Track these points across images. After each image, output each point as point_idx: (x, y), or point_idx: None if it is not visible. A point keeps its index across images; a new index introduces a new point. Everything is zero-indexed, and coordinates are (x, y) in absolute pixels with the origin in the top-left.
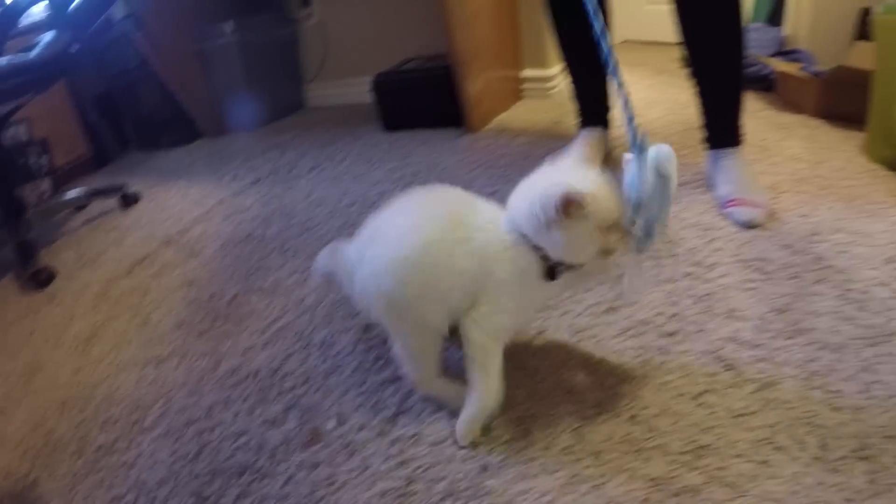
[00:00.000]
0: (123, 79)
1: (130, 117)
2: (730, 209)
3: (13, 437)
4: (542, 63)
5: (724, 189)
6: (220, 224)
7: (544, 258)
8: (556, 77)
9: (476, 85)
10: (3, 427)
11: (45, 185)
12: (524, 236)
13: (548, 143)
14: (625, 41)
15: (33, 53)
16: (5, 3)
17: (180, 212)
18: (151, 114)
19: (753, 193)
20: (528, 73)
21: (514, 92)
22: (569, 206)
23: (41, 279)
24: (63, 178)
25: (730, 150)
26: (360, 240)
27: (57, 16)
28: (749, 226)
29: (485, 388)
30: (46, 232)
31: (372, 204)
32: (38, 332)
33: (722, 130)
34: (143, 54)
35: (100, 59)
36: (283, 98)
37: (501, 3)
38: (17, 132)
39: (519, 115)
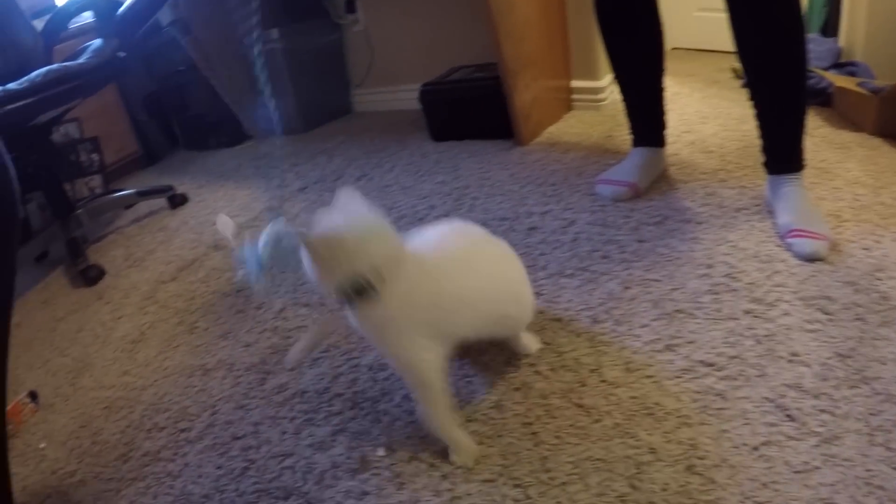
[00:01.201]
0: (173, 81)
1: (179, 118)
2: (791, 240)
3: (62, 433)
4: (592, 74)
5: (784, 218)
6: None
7: None
8: (606, 88)
9: (525, 96)
10: (52, 421)
11: (96, 181)
12: None
13: (600, 159)
14: (674, 48)
15: (82, 59)
16: (55, 9)
17: (228, 216)
18: (200, 115)
19: (815, 223)
20: (577, 83)
21: (564, 103)
22: None
23: (91, 276)
24: (113, 175)
25: (791, 176)
26: None
27: (103, 23)
28: (811, 259)
29: None
30: (96, 229)
31: (421, 219)
32: (86, 329)
33: (783, 155)
34: (191, 58)
35: (149, 62)
36: (330, 103)
37: (550, 12)
38: (68, 130)
39: (569, 127)
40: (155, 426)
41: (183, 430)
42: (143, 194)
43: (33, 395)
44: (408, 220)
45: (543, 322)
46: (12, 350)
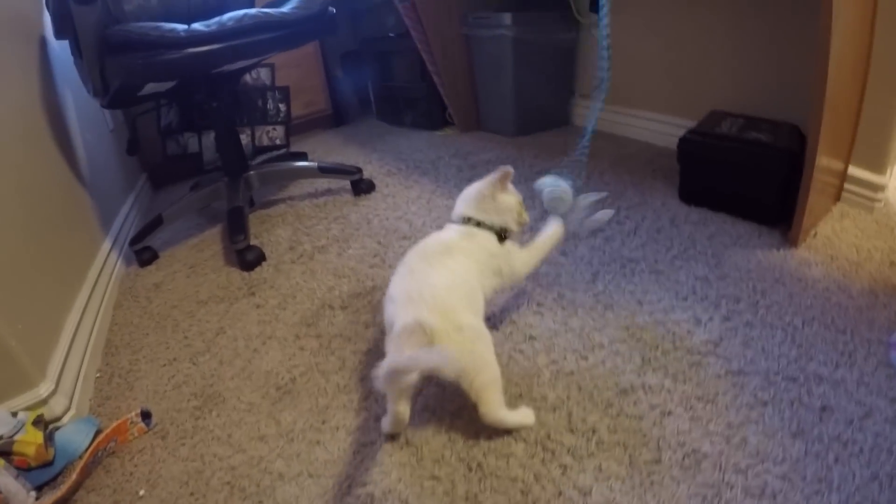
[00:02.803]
0: (378, 45)
1: (377, 85)
2: None
3: (167, 486)
4: (875, 165)
5: None
6: None
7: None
8: (886, 187)
9: (818, 181)
10: (160, 459)
11: (278, 132)
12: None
13: (889, 301)
14: None
15: (286, 7)
16: None
17: (422, 229)
18: (400, 88)
19: None
20: (855, 171)
21: (835, 191)
22: (504, 178)
23: (248, 259)
24: (297, 129)
25: None
26: None
27: None
28: None
29: None
30: (265, 192)
31: (674, 337)
32: (227, 334)
33: None
34: (405, 25)
35: (356, 19)
36: (548, 109)
37: (854, 78)
38: (260, 74)
39: (843, 230)
40: None
41: None
42: (327, 171)
43: (145, 415)
44: (653, 331)
45: None
46: (144, 318)
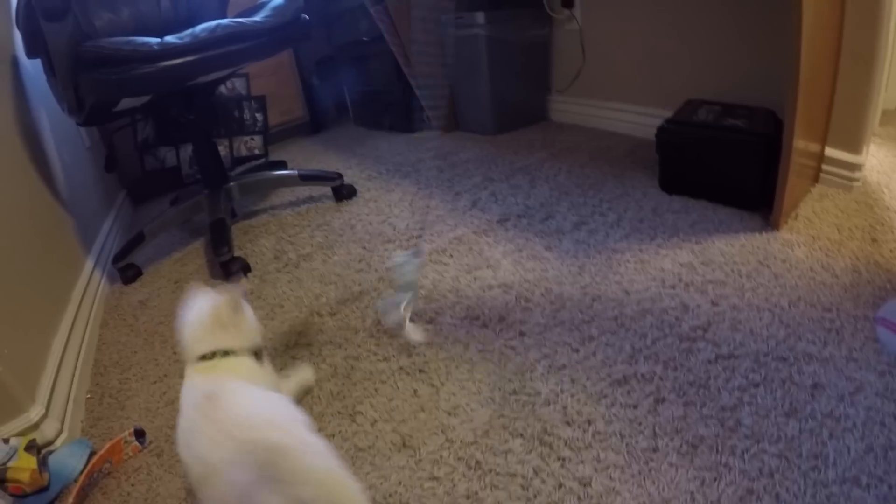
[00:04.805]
0: (353, 50)
1: (353, 90)
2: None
3: None
4: (851, 145)
5: None
6: (459, 278)
7: None
8: (863, 166)
9: (798, 164)
10: (155, 478)
11: (256, 142)
12: None
13: (873, 278)
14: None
15: (259, 16)
16: None
17: (406, 231)
18: (377, 92)
19: None
20: (832, 152)
21: (813, 173)
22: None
23: (232, 271)
24: (274, 138)
25: None
26: None
27: None
28: None
29: None
30: (246, 203)
31: (663, 324)
32: None
33: None
34: (378, 29)
35: (330, 24)
36: (525, 106)
37: (827, 60)
38: (235, 84)
39: (823, 210)
40: None
41: None
42: (307, 178)
43: (139, 434)
44: (653, 321)
45: None
46: (132, 335)
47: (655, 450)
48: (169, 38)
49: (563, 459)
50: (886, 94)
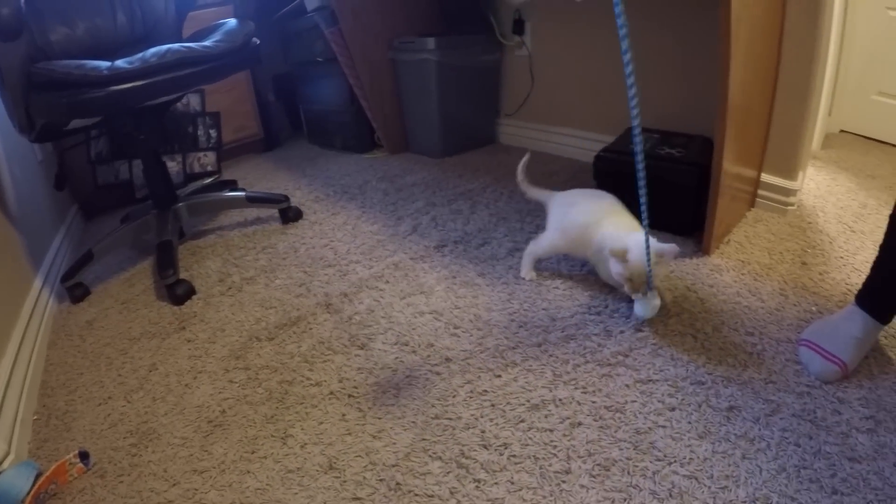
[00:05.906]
0: (308, 70)
1: (307, 109)
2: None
3: None
4: (786, 171)
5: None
6: (393, 303)
7: None
8: (798, 191)
9: (729, 189)
10: (99, 499)
11: (210, 158)
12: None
13: (799, 301)
14: (842, 131)
15: (209, 41)
16: None
17: (347, 256)
18: (330, 112)
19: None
20: (768, 178)
21: (749, 197)
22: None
23: (178, 294)
24: (228, 154)
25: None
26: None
27: (241, 2)
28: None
29: None
30: (195, 222)
31: (585, 350)
32: (160, 370)
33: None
34: (331, 51)
35: (286, 44)
36: (474, 129)
37: (763, 86)
38: (190, 100)
39: (756, 235)
40: None
41: None
42: (255, 200)
43: (83, 456)
44: (576, 343)
45: None
46: (78, 357)
47: (568, 472)
48: (119, 63)
49: (479, 481)
50: (830, 118)
